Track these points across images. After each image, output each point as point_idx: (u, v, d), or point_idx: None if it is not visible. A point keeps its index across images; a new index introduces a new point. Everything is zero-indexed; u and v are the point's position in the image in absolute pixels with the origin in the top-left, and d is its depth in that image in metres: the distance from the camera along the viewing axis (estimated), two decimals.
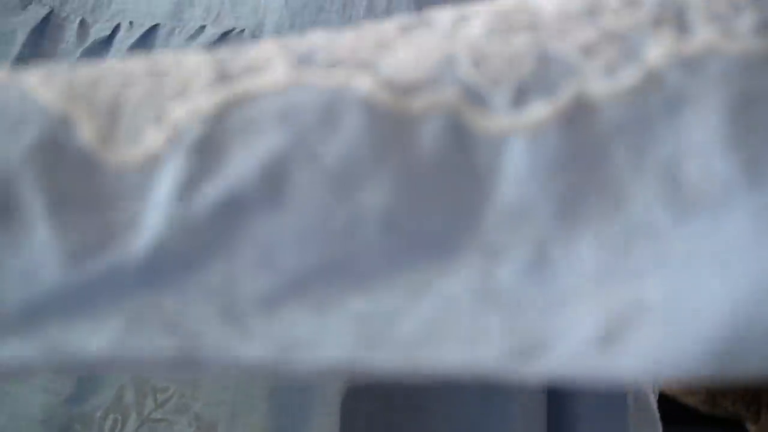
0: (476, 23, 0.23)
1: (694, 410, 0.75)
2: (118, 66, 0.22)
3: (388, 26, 0.23)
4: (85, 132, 0.20)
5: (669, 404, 0.75)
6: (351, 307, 0.20)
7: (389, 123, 0.21)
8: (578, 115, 0.21)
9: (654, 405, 0.45)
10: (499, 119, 0.21)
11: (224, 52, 0.22)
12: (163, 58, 0.22)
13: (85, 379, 0.40)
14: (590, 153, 0.22)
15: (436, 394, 0.41)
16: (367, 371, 0.19)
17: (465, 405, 0.41)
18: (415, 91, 0.21)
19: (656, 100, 0.21)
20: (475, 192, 0.21)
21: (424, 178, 0.21)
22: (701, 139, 0.21)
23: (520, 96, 0.21)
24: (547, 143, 0.21)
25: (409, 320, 0.20)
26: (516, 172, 0.21)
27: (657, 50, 0.22)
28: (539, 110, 0.21)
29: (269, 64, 0.21)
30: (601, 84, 0.22)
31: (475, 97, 0.21)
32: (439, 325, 0.20)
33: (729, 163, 0.21)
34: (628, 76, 0.22)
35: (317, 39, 0.22)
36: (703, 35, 0.22)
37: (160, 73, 0.21)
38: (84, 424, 0.40)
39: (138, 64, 0.22)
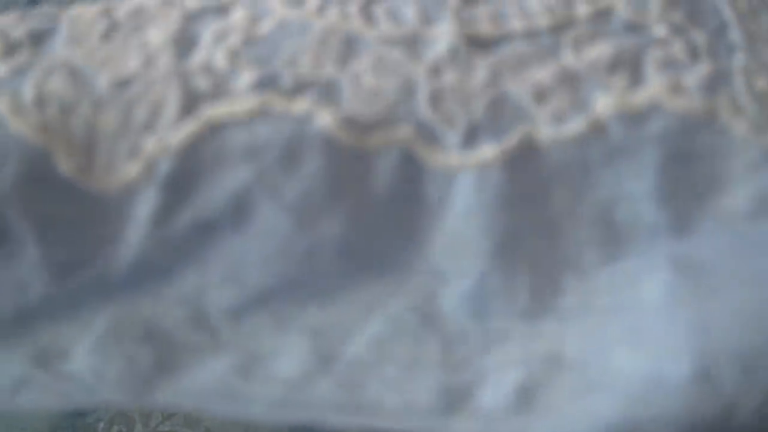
0: (442, 39, 0.24)
1: None
2: (82, 79, 0.23)
3: (356, 22, 0.24)
4: (65, 165, 0.21)
5: None
6: (308, 321, 0.22)
7: (347, 159, 0.22)
8: (523, 158, 0.23)
9: None
10: (450, 157, 0.23)
11: (190, 54, 0.23)
12: (128, 60, 0.23)
13: None
14: (532, 193, 0.23)
15: None
16: (315, 402, 0.21)
17: None
18: (373, 128, 0.23)
19: (598, 148, 0.23)
20: (425, 221, 0.22)
21: (379, 208, 0.23)
22: (636, 188, 0.22)
23: (471, 136, 0.23)
24: (492, 181, 0.22)
25: (359, 338, 0.22)
26: (463, 206, 0.22)
27: (605, 101, 0.23)
28: (487, 151, 0.23)
29: (236, 84, 0.23)
30: (548, 130, 0.23)
31: (430, 135, 0.23)
32: (385, 345, 0.22)
33: (658, 213, 0.22)
34: (574, 125, 0.23)
35: (282, 40, 0.24)
36: (651, 87, 0.23)
37: (129, 99, 0.22)
38: None
39: (104, 76, 0.23)
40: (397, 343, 0.22)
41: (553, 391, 0.21)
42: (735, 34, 0.24)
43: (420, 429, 0.21)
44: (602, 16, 0.24)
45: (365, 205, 0.22)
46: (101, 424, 0.40)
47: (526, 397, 0.21)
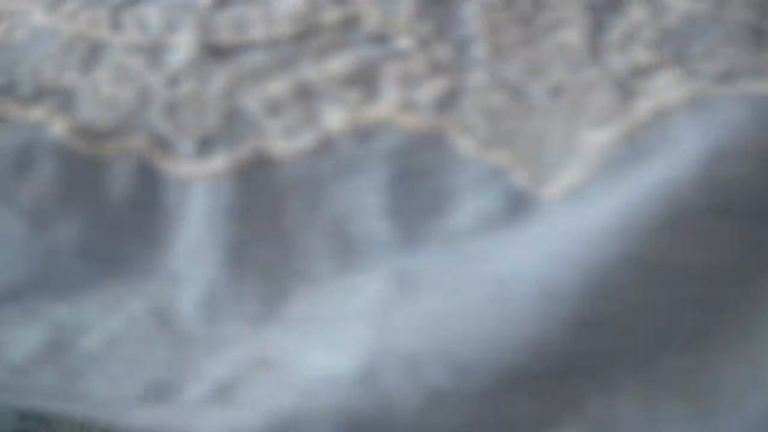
0: (183, 48, 0.25)
1: None
2: None
3: (104, 28, 0.25)
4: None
5: None
6: (55, 316, 0.23)
7: (81, 166, 0.24)
8: (255, 170, 0.24)
9: None
10: (185, 166, 0.24)
11: None
12: None
13: None
14: (264, 205, 0.24)
15: None
16: (36, 389, 0.23)
17: None
18: (107, 136, 0.24)
19: (329, 163, 0.24)
20: (164, 227, 0.24)
21: (116, 214, 0.24)
22: (367, 204, 0.24)
23: (205, 147, 0.24)
24: (224, 192, 0.24)
25: (95, 334, 0.23)
26: (196, 215, 0.24)
27: (336, 116, 0.24)
28: (219, 162, 0.24)
29: None
30: (280, 144, 0.24)
31: (165, 145, 0.24)
32: (118, 342, 0.23)
33: (387, 229, 0.23)
34: (305, 140, 0.24)
35: (31, 47, 0.25)
36: (384, 104, 0.24)
37: None
38: (58, 418, 0.39)
39: None
40: (130, 341, 0.23)
41: (252, 388, 0.22)
42: (480, 49, 0.24)
43: (124, 418, 0.22)
44: (349, 23, 0.24)
45: (101, 211, 0.24)
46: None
47: (226, 392, 0.22)
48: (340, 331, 0.22)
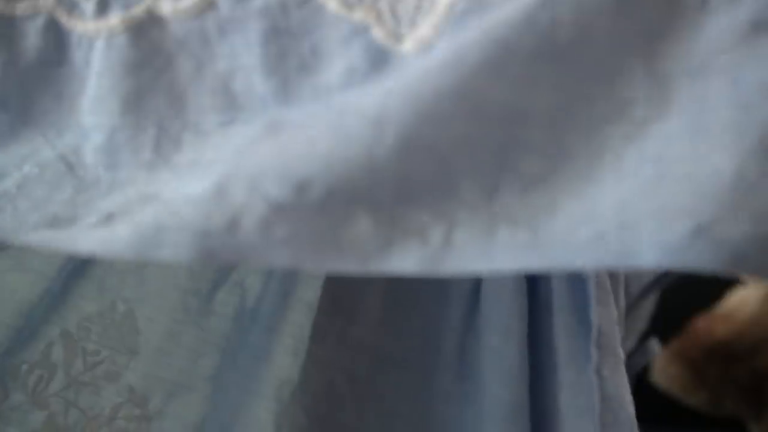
0: None
1: (695, 412, 0.74)
2: None
3: None
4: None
5: (669, 405, 0.73)
6: None
7: None
8: (147, 27, 0.26)
9: (628, 406, 0.42)
10: (88, 24, 0.27)
11: None
12: None
13: (18, 329, 0.38)
14: (157, 61, 0.26)
15: (405, 395, 0.38)
16: None
17: (435, 406, 0.39)
18: None
19: (211, 22, 0.26)
20: (73, 82, 0.27)
21: (30, 68, 0.27)
22: (247, 61, 0.26)
23: (103, 6, 0.26)
24: (119, 47, 0.26)
25: (11, 179, 0.26)
26: (98, 69, 0.26)
27: None
28: (114, 20, 0.26)
29: None
30: (168, 4, 0.26)
31: (69, 5, 0.27)
32: (29, 184, 0.26)
33: (265, 84, 0.26)
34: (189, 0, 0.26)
35: None
36: None
37: None
38: (12, 377, 0.38)
39: None
40: (40, 183, 0.26)
41: (133, 215, 0.24)
42: None
43: (20, 239, 0.26)
44: None
45: (17, 64, 0.27)
46: (24, 366, 0.40)
47: (111, 219, 0.25)
48: (210, 168, 0.25)
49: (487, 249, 0.23)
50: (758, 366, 0.72)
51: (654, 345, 0.54)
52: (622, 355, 0.36)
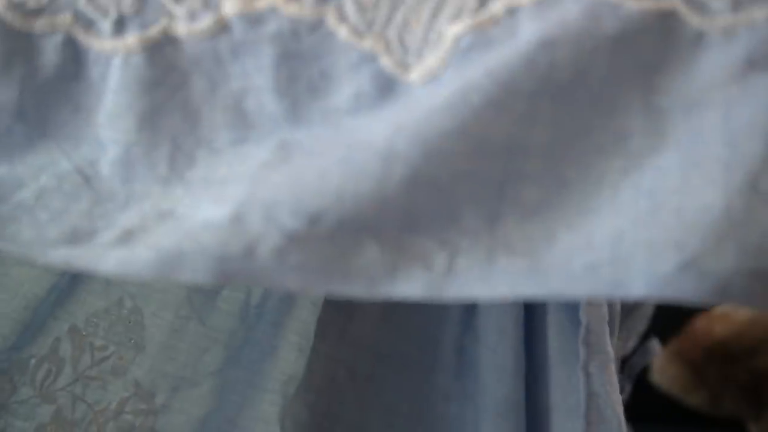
0: None
1: (694, 412, 0.74)
2: None
3: None
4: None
5: (669, 406, 0.73)
6: None
7: (15, 38, 0.27)
8: (163, 46, 0.27)
9: (615, 403, 0.42)
10: (105, 42, 0.27)
11: None
12: None
13: (26, 324, 0.38)
14: (173, 79, 0.27)
15: (405, 393, 0.39)
16: None
17: (434, 404, 0.39)
18: (38, 13, 0.27)
19: (225, 44, 0.27)
20: (90, 97, 0.27)
21: (48, 82, 0.27)
22: (260, 82, 0.27)
23: (120, 26, 0.27)
24: (135, 65, 0.27)
25: (28, 189, 0.27)
26: (115, 86, 0.27)
27: (231, 2, 0.27)
28: (131, 39, 0.27)
29: None
30: (184, 25, 0.27)
31: (87, 23, 0.27)
32: (46, 195, 0.27)
33: (276, 105, 0.27)
34: (205, 22, 0.27)
35: None
36: None
37: None
38: (19, 371, 0.38)
39: None
40: (57, 195, 0.27)
41: (151, 234, 0.25)
42: None
43: (43, 255, 0.26)
44: None
45: (34, 79, 0.27)
46: (32, 361, 0.40)
47: (130, 237, 0.26)
48: (225, 190, 0.26)
49: (487, 276, 0.24)
50: (757, 366, 0.72)
51: (654, 345, 0.55)
52: (611, 353, 0.37)
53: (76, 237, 0.26)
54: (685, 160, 0.25)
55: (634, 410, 0.44)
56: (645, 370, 0.73)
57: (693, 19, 0.25)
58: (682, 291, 0.23)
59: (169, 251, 0.24)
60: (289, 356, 0.39)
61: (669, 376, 0.73)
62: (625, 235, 0.24)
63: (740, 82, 0.25)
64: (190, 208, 0.26)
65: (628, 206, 0.24)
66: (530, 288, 0.24)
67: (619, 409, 0.39)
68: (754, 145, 0.24)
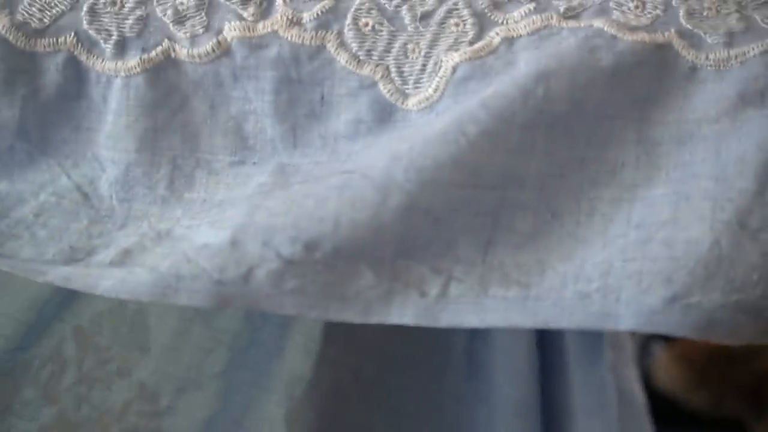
0: None
1: (696, 413, 0.74)
2: None
3: None
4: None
5: (670, 407, 0.73)
6: None
7: (19, 58, 0.28)
8: (164, 68, 0.28)
9: (641, 399, 0.43)
10: (107, 63, 0.28)
11: None
12: None
13: (30, 325, 0.38)
14: (173, 101, 0.28)
15: (413, 395, 0.38)
16: None
17: (445, 406, 0.39)
18: (42, 34, 0.28)
19: (226, 68, 0.27)
20: (92, 117, 0.28)
21: (50, 101, 0.28)
22: (259, 107, 0.27)
23: (121, 48, 0.28)
24: (136, 86, 0.27)
25: (28, 206, 0.27)
26: (115, 106, 0.28)
27: (233, 26, 0.27)
28: (132, 60, 0.28)
29: None
30: (185, 47, 0.27)
31: (89, 44, 0.28)
32: (45, 212, 0.27)
33: (275, 129, 0.27)
34: (206, 45, 0.27)
35: None
36: (274, 19, 0.27)
37: None
38: (23, 372, 0.38)
39: None
40: (56, 213, 0.27)
41: (149, 255, 0.26)
42: None
43: (39, 273, 0.26)
44: None
45: (36, 98, 0.28)
46: (36, 362, 0.40)
47: (128, 257, 0.26)
48: (224, 213, 0.26)
49: (481, 304, 0.25)
50: (759, 368, 0.72)
51: (656, 347, 0.55)
52: (630, 348, 0.37)
53: (74, 256, 0.27)
54: (676, 192, 0.25)
55: (650, 418, 0.44)
56: (647, 371, 0.73)
57: (688, 53, 0.26)
58: (669, 325, 0.23)
59: (167, 274, 0.25)
60: (296, 357, 0.39)
61: (671, 377, 0.74)
62: (615, 267, 0.25)
63: (732, 118, 0.25)
64: (188, 229, 0.26)
65: (619, 237, 0.25)
66: (522, 317, 0.25)
67: (643, 401, 0.40)
68: (744, 181, 0.24)
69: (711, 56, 0.26)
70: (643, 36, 0.26)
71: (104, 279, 0.26)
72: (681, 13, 0.26)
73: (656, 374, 0.75)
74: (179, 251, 0.26)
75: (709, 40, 0.26)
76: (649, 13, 0.26)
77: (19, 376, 0.40)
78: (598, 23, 0.26)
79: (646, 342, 0.56)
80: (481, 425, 0.39)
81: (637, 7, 0.26)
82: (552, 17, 0.27)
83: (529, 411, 0.39)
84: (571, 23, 0.26)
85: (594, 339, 0.36)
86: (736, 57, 0.26)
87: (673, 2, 0.27)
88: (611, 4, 0.27)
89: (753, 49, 0.26)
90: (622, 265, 0.24)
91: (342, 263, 0.25)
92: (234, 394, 0.40)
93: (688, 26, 0.26)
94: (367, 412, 0.40)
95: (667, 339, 0.68)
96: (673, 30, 0.26)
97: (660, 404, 0.73)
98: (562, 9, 0.27)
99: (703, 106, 0.26)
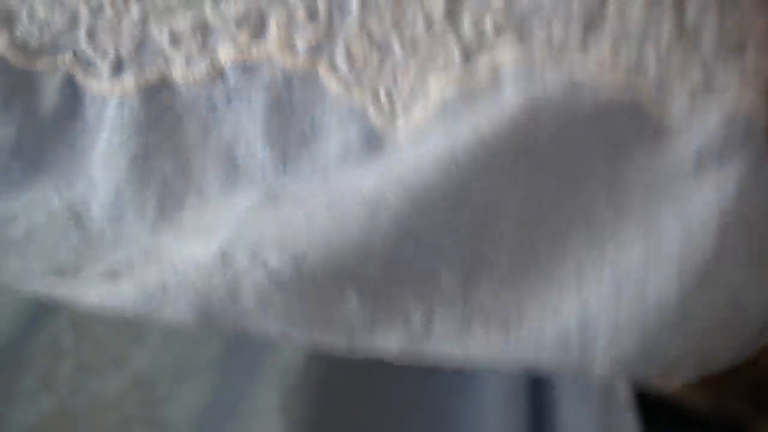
0: None
1: (697, 413, 0.74)
2: None
3: None
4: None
5: (670, 406, 0.73)
6: None
7: (17, 77, 0.28)
8: (159, 91, 0.28)
9: (624, 392, 0.43)
10: (103, 83, 0.28)
11: None
12: None
13: (27, 314, 0.38)
14: (165, 122, 0.28)
15: (404, 386, 0.39)
16: None
17: (435, 396, 0.39)
18: (40, 53, 0.28)
19: (220, 91, 0.27)
20: (86, 137, 0.28)
21: (46, 120, 0.28)
22: (250, 130, 0.27)
23: (117, 67, 0.28)
24: (130, 108, 0.27)
25: (20, 225, 0.27)
26: (109, 127, 0.27)
27: (227, 49, 0.27)
28: (128, 81, 0.27)
29: None
30: (180, 70, 0.27)
31: (86, 64, 0.28)
32: (37, 232, 0.27)
33: (265, 153, 0.27)
34: (201, 68, 0.28)
35: None
36: (269, 43, 0.27)
37: None
38: (20, 362, 0.38)
39: None
40: (48, 231, 0.27)
41: (137, 271, 0.26)
42: (353, 3, 0.27)
43: (27, 286, 0.27)
44: None
45: (33, 117, 0.28)
46: (33, 351, 0.40)
47: (116, 274, 0.26)
48: (213, 230, 0.26)
49: (464, 341, 0.26)
50: (760, 367, 0.72)
51: None
52: None
53: (61, 272, 0.27)
54: (646, 247, 0.26)
55: (635, 411, 0.44)
56: None
57: (655, 112, 0.27)
58: (640, 374, 0.25)
59: (153, 287, 0.25)
60: (290, 347, 0.39)
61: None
62: (591, 312, 0.26)
63: (694, 177, 0.26)
64: (177, 245, 0.26)
65: (593, 281, 0.26)
66: (504, 356, 0.25)
67: (627, 391, 0.40)
68: (707, 238, 0.25)
69: (675, 117, 0.27)
70: (617, 93, 0.27)
71: (89, 292, 0.26)
72: (651, 63, 0.27)
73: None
74: (167, 262, 0.26)
75: (675, 103, 0.27)
76: (624, 60, 0.27)
77: (15, 366, 0.40)
78: (582, 61, 0.27)
79: None
80: (470, 417, 0.39)
81: (612, 53, 0.27)
82: (536, 50, 0.27)
83: (516, 403, 0.39)
84: (554, 58, 0.27)
85: None
86: (696, 120, 0.27)
87: (647, 52, 0.27)
88: (588, 45, 0.27)
89: (712, 115, 0.27)
90: (598, 312, 0.25)
91: (329, 283, 0.25)
92: (229, 384, 0.40)
93: (659, 78, 0.27)
94: (358, 405, 0.40)
95: None
96: (644, 81, 0.27)
97: (660, 404, 0.73)
98: (546, 42, 0.27)
99: (669, 164, 0.27)
